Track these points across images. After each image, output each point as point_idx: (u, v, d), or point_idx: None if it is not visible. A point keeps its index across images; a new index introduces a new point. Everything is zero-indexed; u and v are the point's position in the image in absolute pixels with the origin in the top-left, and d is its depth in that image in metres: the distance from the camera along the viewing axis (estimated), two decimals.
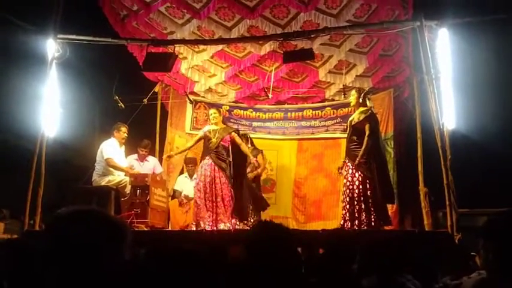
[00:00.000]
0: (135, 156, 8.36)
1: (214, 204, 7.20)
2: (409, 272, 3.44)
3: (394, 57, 8.77)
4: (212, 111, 7.78)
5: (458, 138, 6.93)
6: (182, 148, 8.04)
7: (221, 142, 7.40)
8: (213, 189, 7.23)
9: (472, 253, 5.07)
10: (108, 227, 1.37)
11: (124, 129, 7.83)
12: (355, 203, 6.60)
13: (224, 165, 7.34)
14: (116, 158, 7.55)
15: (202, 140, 7.61)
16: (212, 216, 7.13)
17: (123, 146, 7.91)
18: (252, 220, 7.80)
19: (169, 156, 8.22)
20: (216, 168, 7.28)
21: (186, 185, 8.77)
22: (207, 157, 7.37)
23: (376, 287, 2.94)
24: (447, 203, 6.16)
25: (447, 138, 6.49)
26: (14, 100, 8.64)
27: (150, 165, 8.36)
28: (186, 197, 8.58)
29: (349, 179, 6.74)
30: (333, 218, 9.11)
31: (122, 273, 1.35)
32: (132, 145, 8.36)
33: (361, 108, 6.97)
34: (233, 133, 7.59)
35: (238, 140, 7.57)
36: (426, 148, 7.84)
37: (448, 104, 6.66)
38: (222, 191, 7.24)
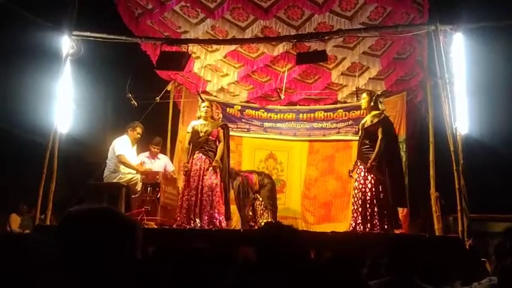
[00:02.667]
0: (147, 153, 8.39)
1: (201, 196, 7.03)
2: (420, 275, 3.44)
3: (408, 60, 8.73)
4: (205, 104, 7.55)
5: (471, 143, 6.88)
6: (186, 151, 7.79)
7: (209, 136, 7.26)
8: (202, 181, 7.07)
9: (483, 259, 5.04)
10: (121, 226, 1.38)
11: (139, 130, 7.85)
12: (367, 206, 6.55)
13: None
14: (127, 155, 7.58)
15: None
16: (199, 210, 7.01)
17: (135, 146, 7.94)
18: None
19: (187, 172, 7.32)
20: (208, 161, 7.16)
21: None
22: (197, 151, 7.22)
23: (388, 287, 2.93)
24: (459, 208, 6.11)
25: (460, 142, 6.44)
26: (28, 96, 8.71)
27: (161, 162, 8.38)
28: None
29: (361, 182, 6.69)
30: (343, 220, 9.09)
31: (133, 272, 1.36)
32: (143, 143, 8.38)
33: (374, 112, 6.93)
34: (219, 128, 7.43)
35: (221, 135, 7.38)
36: (438, 152, 7.81)
37: (462, 109, 6.62)
38: (211, 182, 7.07)
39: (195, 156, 7.23)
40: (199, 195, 7.03)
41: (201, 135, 7.26)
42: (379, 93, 7.88)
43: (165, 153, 9.05)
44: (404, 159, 8.96)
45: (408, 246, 3.30)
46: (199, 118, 7.57)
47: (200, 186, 7.06)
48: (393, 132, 7.08)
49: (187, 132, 7.55)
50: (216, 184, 7.11)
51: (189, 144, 7.47)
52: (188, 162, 7.30)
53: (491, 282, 3.19)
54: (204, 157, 7.19)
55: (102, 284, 1.33)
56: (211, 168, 7.14)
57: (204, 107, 7.46)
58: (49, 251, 1.39)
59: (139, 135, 7.87)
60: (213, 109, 7.55)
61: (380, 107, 6.96)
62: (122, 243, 1.36)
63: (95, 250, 1.31)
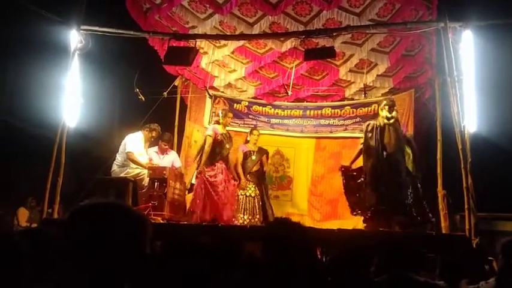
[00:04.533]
0: (155, 148, 8.38)
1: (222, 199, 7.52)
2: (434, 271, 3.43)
3: (416, 57, 8.69)
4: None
5: (479, 141, 6.85)
6: (207, 155, 7.77)
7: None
8: (226, 188, 7.54)
9: (490, 258, 5.02)
10: (130, 220, 1.38)
11: (155, 133, 7.92)
12: None
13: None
14: (136, 153, 7.59)
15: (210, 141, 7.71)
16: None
17: (147, 146, 7.96)
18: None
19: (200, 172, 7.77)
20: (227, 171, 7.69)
21: None
22: (220, 162, 7.65)
23: (387, 283, 2.93)
24: (466, 206, 6.09)
25: (468, 141, 6.42)
26: (36, 90, 8.75)
27: (170, 158, 8.38)
28: None
29: None
30: (349, 218, 9.05)
31: (142, 267, 1.36)
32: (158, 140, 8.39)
33: None
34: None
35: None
36: (446, 150, 7.77)
37: (470, 107, 6.58)
38: (233, 188, 7.72)
39: (218, 165, 7.63)
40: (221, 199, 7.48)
41: (227, 148, 7.76)
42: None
43: (172, 148, 9.04)
44: (411, 157, 8.93)
45: (406, 243, 3.30)
46: (217, 123, 7.87)
47: (222, 192, 7.51)
48: (369, 141, 7.12)
49: (209, 136, 7.68)
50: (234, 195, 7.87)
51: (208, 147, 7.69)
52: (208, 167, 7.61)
53: (495, 282, 3.18)
54: (225, 168, 7.70)
55: (110, 278, 1.33)
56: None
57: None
58: (58, 244, 1.39)
59: (153, 138, 7.92)
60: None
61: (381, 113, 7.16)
62: (131, 237, 1.36)
63: (104, 244, 1.31)
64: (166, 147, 8.38)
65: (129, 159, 7.51)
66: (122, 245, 1.34)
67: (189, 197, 8.44)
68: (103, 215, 1.37)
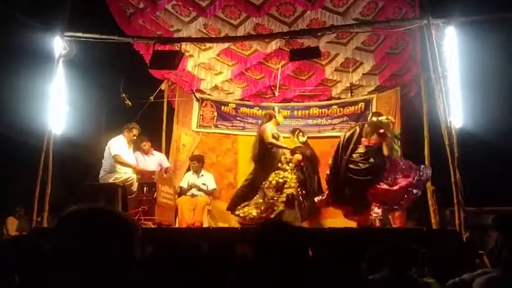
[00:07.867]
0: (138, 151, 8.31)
1: None
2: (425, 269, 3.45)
3: (401, 55, 8.74)
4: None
5: (466, 136, 6.90)
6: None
7: None
8: None
9: (480, 251, 5.06)
10: (118, 225, 1.37)
11: (135, 131, 7.80)
12: None
13: None
14: (123, 155, 7.56)
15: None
16: None
17: (131, 147, 7.89)
18: None
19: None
20: None
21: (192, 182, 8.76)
22: None
23: (387, 281, 2.94)
24: (455, 201, 6.14)
25: (455, 136, 6.47)
26: (21, 98, 8.67)
27: (156, 159, 8.33)
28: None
29: None
30: (340, 216, 9.07)
31: (132, 272, 1.35)
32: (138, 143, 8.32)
33: None
34: None
35: None
36: (433, 146, 7.82)
37: (456, 102, 6.64)
38: None
39: None
40: None
41: None
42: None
43: (160, 152, 9.00)
44: (399, 154, 9.00)
45: (397, 239, 3.32)
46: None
47: None
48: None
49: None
50: None
51: None
52: None
53: (491, 274, 3.18)
54: None
55: (100, 284, 1.33)
56: None
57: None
58: (47, 251, 1.38)
59: (135, 137, 7.84)
60: None
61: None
62: (120, 243, 1.35)
63: (93, 250, 1.30)
64: (146, 146, 8.26)
65: (118, 162, 7.47)
66: (110, 250, 1.33)
67: (179, 200, 8.38)
68: (90, 220, 1.36)
